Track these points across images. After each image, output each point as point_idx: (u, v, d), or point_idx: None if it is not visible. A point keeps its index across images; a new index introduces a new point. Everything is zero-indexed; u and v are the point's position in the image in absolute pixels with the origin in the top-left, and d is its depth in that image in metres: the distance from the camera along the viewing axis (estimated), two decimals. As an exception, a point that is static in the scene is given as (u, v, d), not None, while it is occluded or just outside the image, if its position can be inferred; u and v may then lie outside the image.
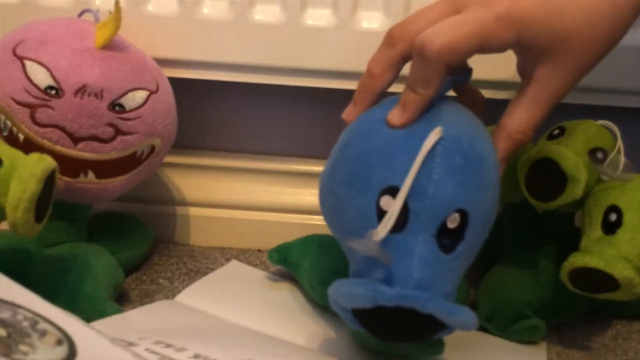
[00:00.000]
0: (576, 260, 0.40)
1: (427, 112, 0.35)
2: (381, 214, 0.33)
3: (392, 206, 0.32)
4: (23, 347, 0.23)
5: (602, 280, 0.39)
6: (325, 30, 0.50)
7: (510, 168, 0.45)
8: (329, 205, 0.37)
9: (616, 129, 0.45)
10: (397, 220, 0.32)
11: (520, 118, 0.36)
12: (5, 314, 0.25)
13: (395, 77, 0.37)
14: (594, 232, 0.42)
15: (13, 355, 0.22)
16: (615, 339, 0.47)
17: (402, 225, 0.33)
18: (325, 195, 0.37)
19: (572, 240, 0.44)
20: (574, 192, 0.41)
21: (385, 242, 0.33)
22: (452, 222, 0.33)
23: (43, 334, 0.25)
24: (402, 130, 0.34)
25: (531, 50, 0.35)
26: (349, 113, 0.38)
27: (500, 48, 0.35)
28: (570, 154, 0.41)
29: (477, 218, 0.34)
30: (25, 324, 0.25)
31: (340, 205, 0.36)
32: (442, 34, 0.33)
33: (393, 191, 0.33)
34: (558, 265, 0.42)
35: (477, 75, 0.39)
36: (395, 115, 0.34)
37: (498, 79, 0.49)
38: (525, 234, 0.49)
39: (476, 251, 0.36)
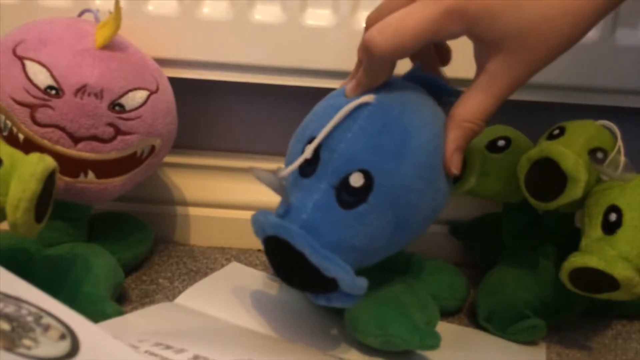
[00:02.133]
0: (576, 260, 0.40)
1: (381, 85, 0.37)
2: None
3: (305, 151, 0.36)
4: (26, 342, 0.23)
5: (602, 280, 0.39)
6: (325, 30, 0.50)
7: (510, 168, 0.45)
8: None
9: (616, 129, 0.45)
10: (309, 165, 0.36)
11: (469, 107, 0.37)
12: (10, 309, 0.25)
13: None
14: (594, 232, 0.41)
15: (16, 350, 0.22)
16: (615, 339, 0.47)
17: (312, 172, 0.36)
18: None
19: (572, 240, 0.44)
20: (574, 192, 0.41)
21: (296, 183, 0.37)
22: (356, 181, 0.35)
23: (46, 328, 0.25)
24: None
25: (483, 41, 0.35)
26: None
27: (450, 38, 0.35)
28: (570, 154, 0.41)
29: (387, 187, 0.35)
30: (29, 318, 0.25)
31: (287, 155, 0.39)
32: (386, 35, 0.34)
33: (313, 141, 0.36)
34: (558, 265, 0.42)
35: (466, 73, 0.39)
36: (350, 89, 0.38)
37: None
38: (525, 234, 0.49)
39: (390, 229, 0.36)
